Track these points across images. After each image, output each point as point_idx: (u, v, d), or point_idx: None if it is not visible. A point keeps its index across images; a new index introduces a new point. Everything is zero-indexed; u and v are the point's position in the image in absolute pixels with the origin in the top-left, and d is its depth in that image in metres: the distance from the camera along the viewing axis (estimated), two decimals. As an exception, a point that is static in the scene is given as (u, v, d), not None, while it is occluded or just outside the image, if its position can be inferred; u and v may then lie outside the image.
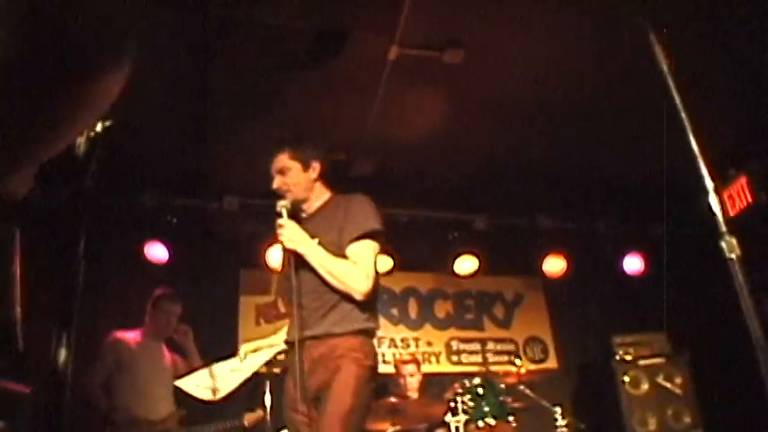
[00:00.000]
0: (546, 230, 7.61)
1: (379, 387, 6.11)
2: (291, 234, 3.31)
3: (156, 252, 6.44)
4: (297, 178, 3.47)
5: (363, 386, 3.15)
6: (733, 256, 2.18)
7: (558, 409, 5.62)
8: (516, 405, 5.54)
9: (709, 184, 2.31)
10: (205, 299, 6.79)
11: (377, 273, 3.32)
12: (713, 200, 2.29)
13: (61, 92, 1.10)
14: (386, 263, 6.98)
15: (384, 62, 5.05)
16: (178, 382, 4.65)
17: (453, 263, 7.35)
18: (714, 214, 2.27)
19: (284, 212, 3.39)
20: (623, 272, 7.71)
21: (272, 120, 5.58)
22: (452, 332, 7.70)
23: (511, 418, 5.31)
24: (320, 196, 3.58)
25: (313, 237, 3.32)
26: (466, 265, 7.36)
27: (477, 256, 7.30)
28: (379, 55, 4.97)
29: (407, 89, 5.51)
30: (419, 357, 6.99)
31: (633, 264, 7.69)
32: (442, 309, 7.78)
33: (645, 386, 6.82)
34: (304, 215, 3.57)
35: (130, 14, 1.16)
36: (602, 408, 6.97)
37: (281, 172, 3.47)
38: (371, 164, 6.52)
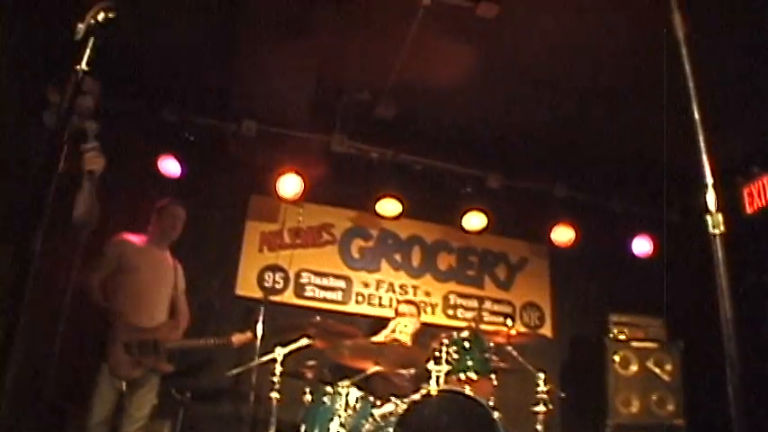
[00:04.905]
0: (559, 199, 7.59)
1: (370, 326, 6.23)
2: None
3: (170, 166, 6.46)
4: None
5: None
6: (717, 231, 2.12)
7: (542, 375, 5.65)
8: (501, 365, 5.46)
9: (709, 179, 2.24)
10: (212, 219, 6.89)
11: None
12: (710, 197, 2.21)
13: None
14: (395, 207, 7.04)
15: (417, 7, 5.00)
16: None
17: (462, 217, 7.33)
18: (708, 209, 2.20)
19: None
20: (631, 252, 7.64)
21: (298, 48, 5.57)
22: (452, 286, 7.71)
23: (493, 376, 5.25)
24: None
25: None
26: (474, 221, 7.32)
27: (487, 214, 7.26)
28: (413, -1, 4.94)
29: (438, 37, 5.48)
30: (417, 305, 7.06)
31: (642, 245, 7.61)
32: (444, 261, 7.77)
33: (634, 368, 6.84)
34: None
35: None
36: (587, 382, 6.97)
37: None
38: (394, 107, 6.49)
